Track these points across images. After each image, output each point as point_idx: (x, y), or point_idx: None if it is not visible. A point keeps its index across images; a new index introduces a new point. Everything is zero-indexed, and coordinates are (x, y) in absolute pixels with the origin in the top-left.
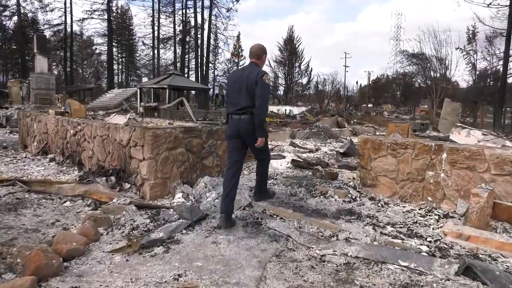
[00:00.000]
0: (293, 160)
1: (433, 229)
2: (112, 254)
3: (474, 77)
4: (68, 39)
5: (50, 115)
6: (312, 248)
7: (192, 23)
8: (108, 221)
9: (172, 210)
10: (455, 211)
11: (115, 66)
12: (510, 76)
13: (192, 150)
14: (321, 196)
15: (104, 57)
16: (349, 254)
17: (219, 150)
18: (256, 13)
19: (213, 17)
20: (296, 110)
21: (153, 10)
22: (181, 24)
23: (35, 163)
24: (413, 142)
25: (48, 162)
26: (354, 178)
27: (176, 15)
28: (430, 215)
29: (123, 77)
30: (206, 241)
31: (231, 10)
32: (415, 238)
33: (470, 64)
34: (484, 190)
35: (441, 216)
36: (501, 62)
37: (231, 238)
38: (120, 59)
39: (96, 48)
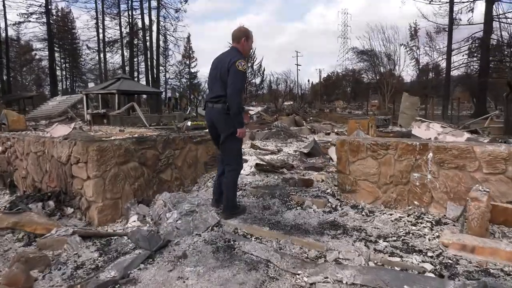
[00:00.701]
0: (257, 164)
1: (429, 239)
2: None
3: (417, 72)
4: (3, 45)
5: None
6: (298, 274)
7: (140, 25)
8: (45, 260)
9: (126, 237)
10: (445, 215)
11: (58, 72)
12: (454, 69)
13: (147, 163)
14: (298, 208)
15: (45, 63)
16: (344, 281)
17: (178, 161)
18: (206, 14)
19: (161, 18)
20: (252, 110)
21: (96, 12)
22: (128, 26)
23: None
24: (395, 142)
25: None
26: (323, 180)
27: (122, 17)
28: (421, 222)
29: (68, 83)
30: (170, 277)
31: (180, 10)
32: (414, 253)
33: (414, 59)
34: (483, 192)
35: (434, 223)
36: (442, 57)
37: (201, 270)
38: (64, 65)
39: (35, 54)
